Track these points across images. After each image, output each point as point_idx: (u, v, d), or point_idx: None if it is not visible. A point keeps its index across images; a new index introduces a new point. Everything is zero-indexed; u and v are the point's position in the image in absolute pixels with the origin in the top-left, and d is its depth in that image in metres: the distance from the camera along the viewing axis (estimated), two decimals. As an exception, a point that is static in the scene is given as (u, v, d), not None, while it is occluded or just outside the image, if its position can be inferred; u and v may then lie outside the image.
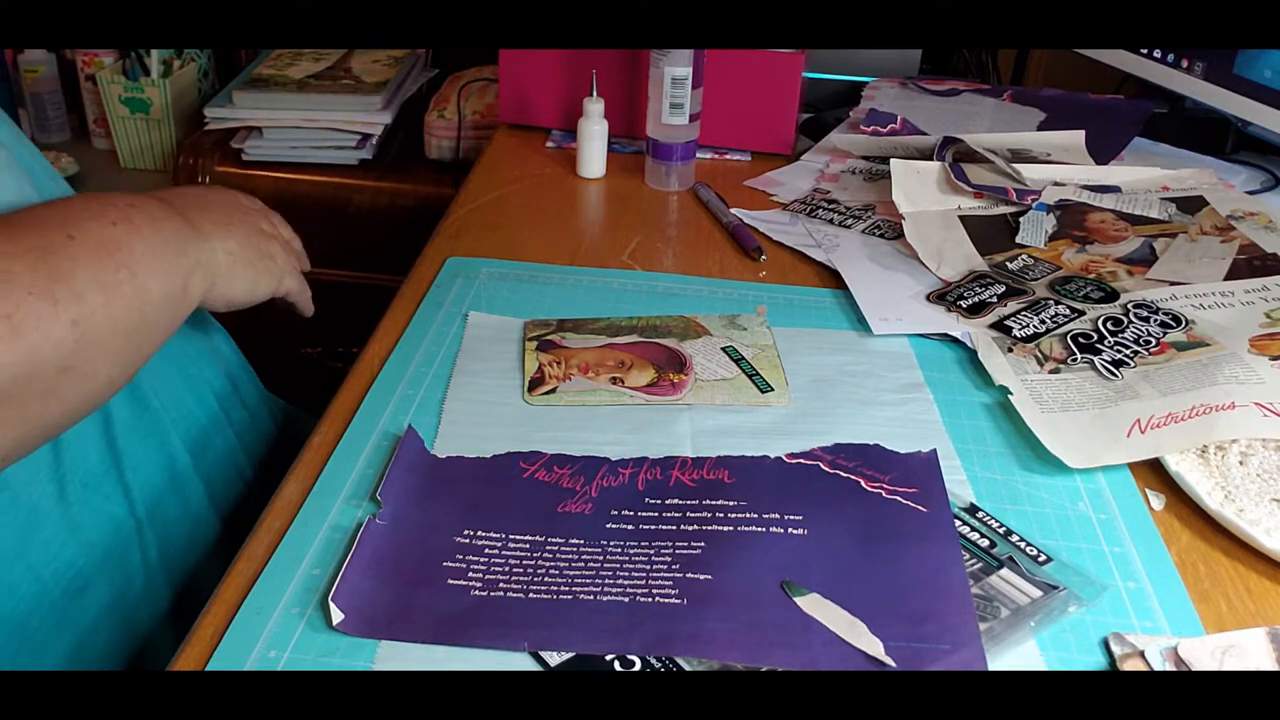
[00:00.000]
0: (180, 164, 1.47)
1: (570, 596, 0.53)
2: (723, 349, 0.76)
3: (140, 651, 0.65)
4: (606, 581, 0.54)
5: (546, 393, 0.71)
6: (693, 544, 0.57)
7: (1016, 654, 0.52)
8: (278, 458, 0.80)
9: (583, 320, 0.80)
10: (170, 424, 0.69)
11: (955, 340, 0.79)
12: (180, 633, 0.53)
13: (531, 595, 0.53)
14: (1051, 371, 0.74)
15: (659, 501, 0.60)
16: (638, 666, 0.50)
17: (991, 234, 0.93)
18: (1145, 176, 1.03)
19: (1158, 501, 0.64)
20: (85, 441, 0.62)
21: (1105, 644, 0.52)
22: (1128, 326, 0.78)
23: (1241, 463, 0.64)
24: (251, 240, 0.68)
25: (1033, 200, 0.96)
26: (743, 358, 0.75)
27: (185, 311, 0.60)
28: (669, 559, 0.56)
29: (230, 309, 0.67)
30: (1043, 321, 0.80)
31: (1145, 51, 1.14)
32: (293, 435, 0.83)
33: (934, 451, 0.65)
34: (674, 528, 0.58)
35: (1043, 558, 0.57)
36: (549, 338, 0.77)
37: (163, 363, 0.70)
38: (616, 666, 0.50)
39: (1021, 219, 0.94)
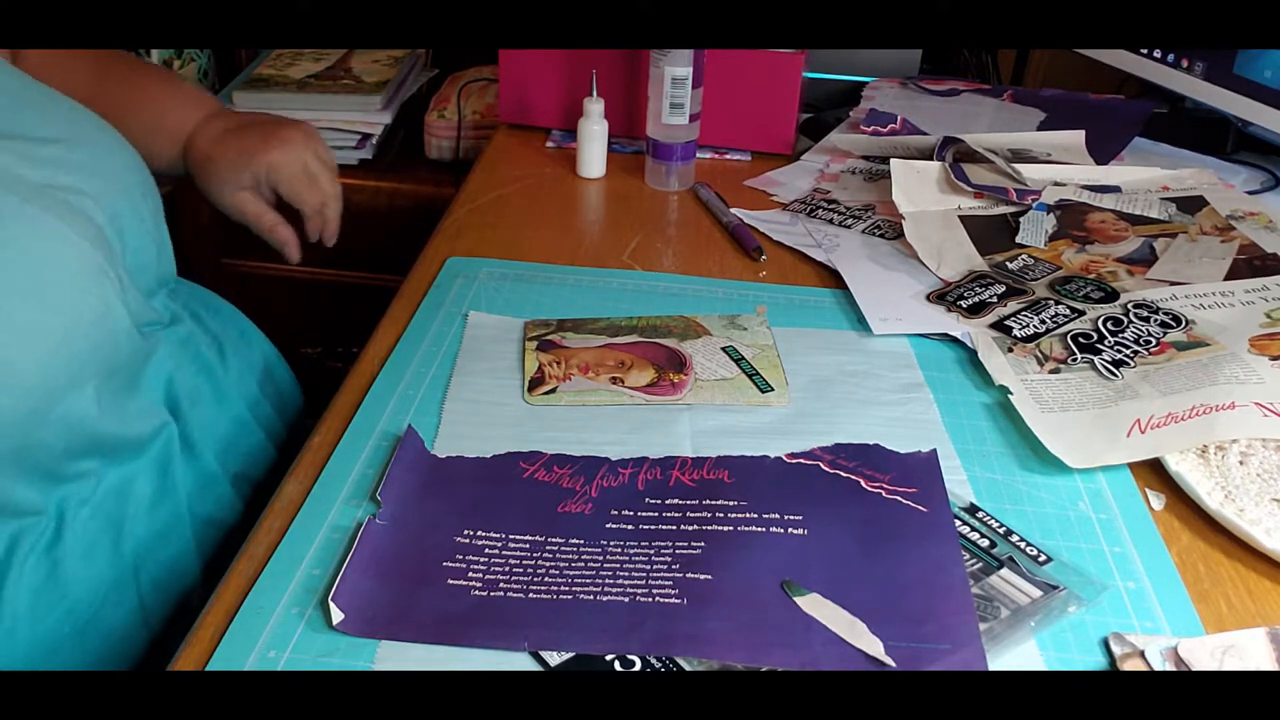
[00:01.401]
0: (180, 164, 1.47)
1: (570, 596, 0.53)
2: (723, 349, 0.76)
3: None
4: (606, 581, 0.54)
5: (546, 393, 0.71)
6: (693, 544, 0.57)
7: (1016, 654, 0.52)
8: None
9: (583, 320, 0.79)
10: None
11: (955, 340, 0.79)
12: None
13: (531, 595, 0.53)
14: (1051, 371, 0.74)
15: (659, 501, 0.60)
16: (638, 666, 0.50)
17: (991, 234, 0.93)
18: (1145, 176, 1.03)
19: (1158, 501, 0.64)
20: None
21: (1105, 644, 0.52)
22: (1128, 326, 0.78)
23: (1241, 463, 0.64)
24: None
25: (1033, 200, 0.96)
26: (743, 358, 0.75)
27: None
28: (669, 559, 0.56)
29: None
30: (1043, 321, 0.80)
31: (1145, 51, 1.14)
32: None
33: (934, 451, 0.64)
34: (674, 528, 0.58)
35: (1043, 558, 0.57)
36: (549, 338, 0.77)
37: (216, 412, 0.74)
38: (616, 666, 0.50)
39: (1021, 219, 0.94)
